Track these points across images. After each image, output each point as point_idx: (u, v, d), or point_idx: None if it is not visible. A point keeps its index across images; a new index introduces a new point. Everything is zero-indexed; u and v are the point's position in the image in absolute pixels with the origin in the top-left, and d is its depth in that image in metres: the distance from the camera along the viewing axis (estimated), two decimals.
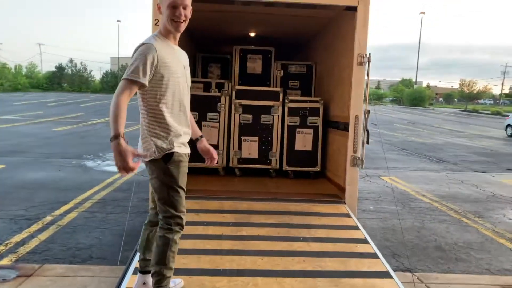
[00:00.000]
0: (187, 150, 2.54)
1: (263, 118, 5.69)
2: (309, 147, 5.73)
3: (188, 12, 2.41)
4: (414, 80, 66.30)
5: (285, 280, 2.88)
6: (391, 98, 68.67)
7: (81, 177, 7.51)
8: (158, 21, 4.22)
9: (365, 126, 4.30)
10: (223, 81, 6.23)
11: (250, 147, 5.67)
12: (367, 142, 4.32)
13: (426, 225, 5.57)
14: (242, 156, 5.68)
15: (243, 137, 5.66)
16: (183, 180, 2.48)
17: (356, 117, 4.37)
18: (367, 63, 4.26)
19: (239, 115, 5.66)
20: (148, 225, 2.71)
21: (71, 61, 60.00)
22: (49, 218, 5.09)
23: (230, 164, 5.70)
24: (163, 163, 2.40)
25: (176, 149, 2.42)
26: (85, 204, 5.75)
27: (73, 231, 4.69)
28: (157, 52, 2.29)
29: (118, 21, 62.04)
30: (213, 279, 2.84)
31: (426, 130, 21.43)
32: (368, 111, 4.31)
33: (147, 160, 2.41)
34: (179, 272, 2.87)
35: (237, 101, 5.65)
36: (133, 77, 2.23)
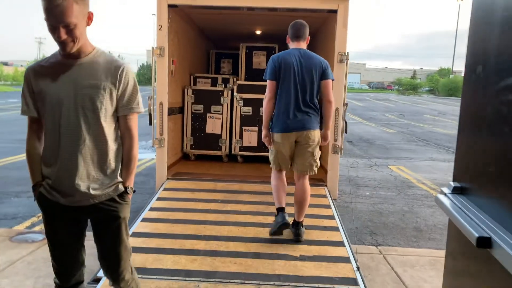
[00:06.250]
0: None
1: (262, 110, 6.23)
2: None
3: (76, 30, 1.78)
4: (451, 69, 64.24)
5: (252, 244, 3.49)
6: (427, 88, 67.14)
7: None
8: (161, 26, 4.85)
9: (344, 117, 4.81)
10: (228, 76, 6.74)
11: (250, 137, 6.26)
12: (346, 132, 4.84)
13: (413, 210, 5.96)
14: (243, 145, 6.28)
15: (244, 128, 6.26)
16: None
17: (336, 110, 4.86)
18: (346, 60, 4.72)
19: (240, 107, 6.25)
20: None
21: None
22: None
23: (233, 152, 6.32)
24: None
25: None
26: None
27: None
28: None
29: (153, 14, 63.36)
30: (194, 242, 3.49)
31: (454, 121, 21.12)
32: (346, 104, 4.82)
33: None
34: (166, 236, 3.55)
35: (239, 95, 6.23)
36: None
